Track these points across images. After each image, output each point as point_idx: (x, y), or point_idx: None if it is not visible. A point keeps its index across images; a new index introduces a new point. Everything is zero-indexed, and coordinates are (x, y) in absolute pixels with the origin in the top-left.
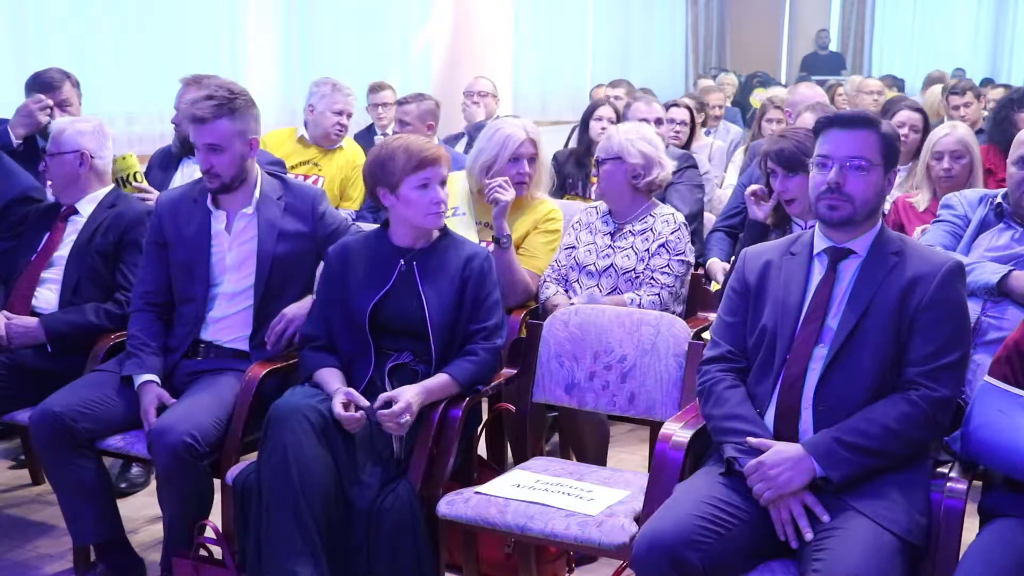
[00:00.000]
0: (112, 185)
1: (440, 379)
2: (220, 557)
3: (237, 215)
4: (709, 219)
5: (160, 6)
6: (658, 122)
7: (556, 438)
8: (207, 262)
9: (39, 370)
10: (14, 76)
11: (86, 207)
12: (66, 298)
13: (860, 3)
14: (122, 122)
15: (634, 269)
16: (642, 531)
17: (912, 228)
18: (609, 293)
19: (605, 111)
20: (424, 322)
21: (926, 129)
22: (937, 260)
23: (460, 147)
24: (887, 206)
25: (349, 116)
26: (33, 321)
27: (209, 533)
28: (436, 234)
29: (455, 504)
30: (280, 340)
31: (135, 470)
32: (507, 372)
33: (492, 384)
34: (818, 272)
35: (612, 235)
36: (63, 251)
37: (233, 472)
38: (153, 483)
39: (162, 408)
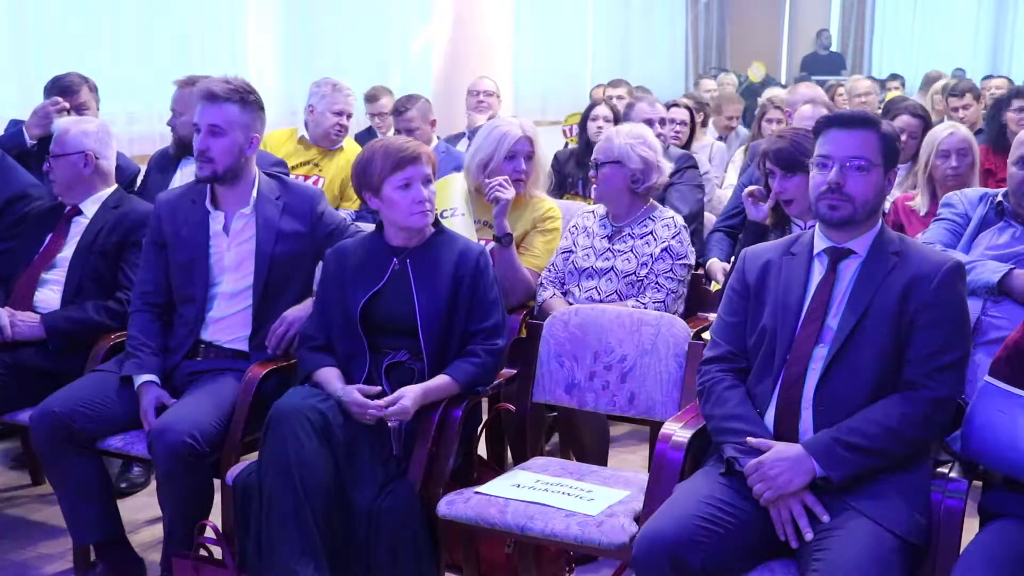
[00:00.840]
0: (116, 186)
1: (440, 380)
2: (220, 557)
3: (235, 215)
4: (709, 219)
5: (160, 6)
6: (661, 122)
7: (556, 438)
8: (206, 262)
9: (39, 370)
10: (14, 77)
11: (90, 208)
12: (68, 298)
13: (860, 3)
14: (122, 122)
15: (635, 272)
16: (642, 531)
17: (915, 232)
18: (609, 296)
19: (602, 111)
20: (415, 320)
21: (925, 135)
22: (937, 260)
23: (461, 146)
24: (887, 206)
25: (349, 116)
26: (35, 316)
27: (209, 533)
28: (430, 232)
29: (455, 504)
30: (281, 343)
31: (135, 470)
32: (507, 372)
33: (492, 384)
34: (818, 272)
35: (610, 238)
36: (66, 252)
37: (233, 472)
38: (153, 483)
39: (162, 408)
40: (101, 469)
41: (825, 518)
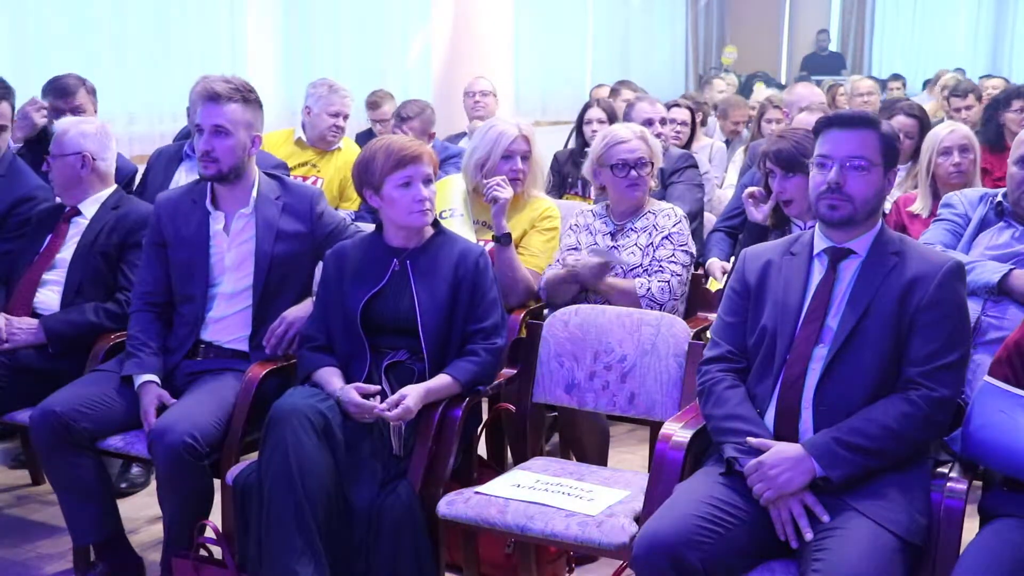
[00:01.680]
0: (115, 186)
1: (440, 379)
2: (220, 557)
3: (235, 215)
4: (709, 219)
5: (160, 6)
6: (661, 122)
7: (556, 438)
8: (206, 262)
9: (39, 370)
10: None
11: (89, 208)
12: (68, 299)
13: (860, 3)
14: (122, 122)
15: (640, 264)
16: (642, 531)
17: (917, 234)
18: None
19: (595, 112)
20: (415, 320)
21: (922, 135)
22: (937, 260)
23: (463, 145)
24: (887, 206)
25: (345, 118)
26: (33, 321)
27: (209, 533)
28: (430, 232)
29: (455, 504)
30: (280, 343)
31: (135, 470)
32: (507, 372)
33: (492, 384)
34: (818, 272)
35: (613, 235)
36: (66, 252)
37: (233, 472)
38: (153, 483)
39: (162, 408)
40: (101, 469)
41: (825, 518)
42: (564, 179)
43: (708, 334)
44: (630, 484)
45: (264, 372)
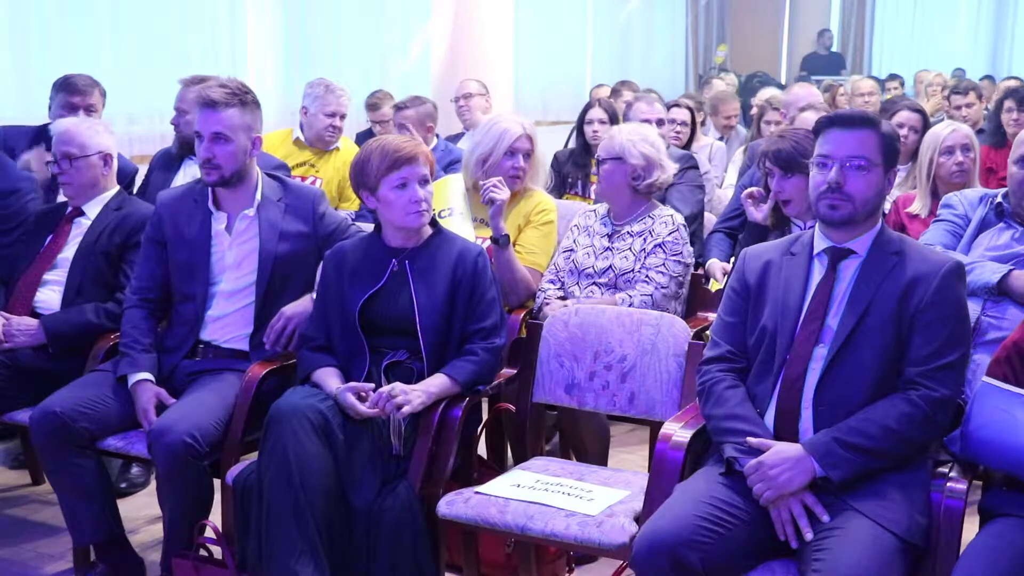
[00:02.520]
0: (118, 187)
1: (439, 380)
2: (220, 557)
3: (238, 216)
4: (709, 219)
5: (160, 6)
6: (659, 123)
7: (556, 438)
8: (207, 262)
9: (39, 370)
10: (14, 77)
11: (92, 209)
12: (69, 299)
13: (860, 3)
14: (122, 122)
15: (631, 269)
16: (642, 531)
17: (916, 234)
18: (608, 291)
19: (595, 113)
20: (414, 320)
21: (925, 130)
22: (937, 260)
23: (463, 144)
24: (887, 206)
25: (342, 117)
26: (33, 321)
27: (209, 533)
28: (428, 232)
29: (455, 504)
30: (279, 339)
31: (135, 470)
32: (507, 372)
33: (492, 384)
34: (818, 272)
35: (610, 236)
36: (67, 252)
37: (233, 472)
38: (153, 483)
39: (162, 407)
40: (101, 469)
41: (825, 518)
42: (564, 179)
43: (708, 334)
44: (630, 484)
45: (264, 372)
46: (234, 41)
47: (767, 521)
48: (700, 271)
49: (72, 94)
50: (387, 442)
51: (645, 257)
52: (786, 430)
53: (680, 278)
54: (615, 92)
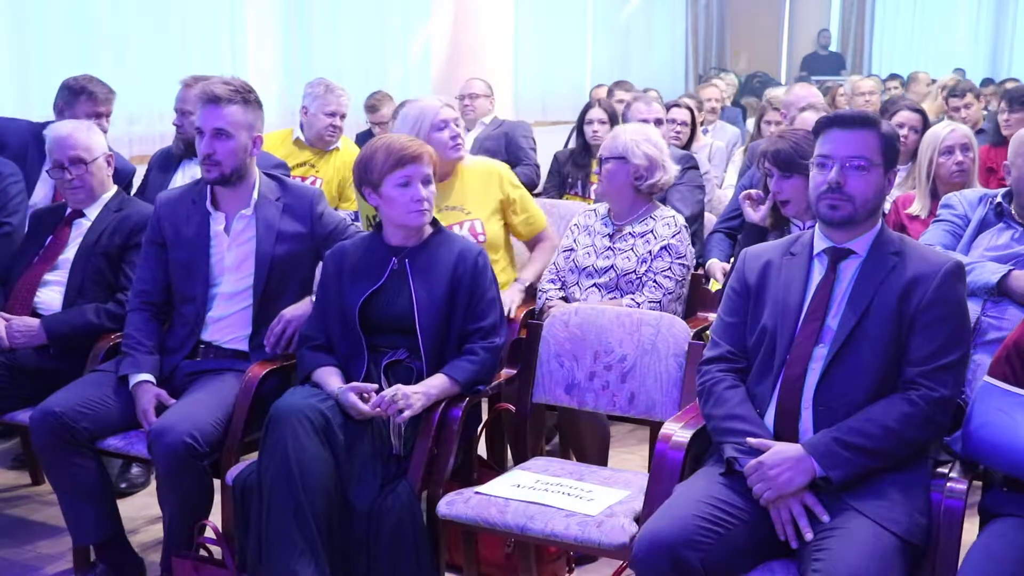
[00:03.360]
0: (116, 188)
1: (439, 380)
2: (220, 557)
3: (236, 216)
4: (709, 219)
5: (160, 6)
6: (657, 123)
7: (556, 438)
8: (206, 262)
9: (39, 370)
10: (14, 77)
11: (92, 210)
12: (70, 299)
13: (860, 3)
14: (122, 122)
15: (634, 271)
16: (642, 531)
17: (916, 235)
18: (610, 293)
19: (596, 113)
20: (414, 319)
21: (925, 129)
22: (937, 260)
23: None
24: (887, 206)
25: (342, 117)
26: (34, 322)
27: (209, 533)
28: (429, 231)
29: (455, 504)
30: (279, 341)
31: (135, 470)
32: (507, 372)
33: (492, 384)
34: (818, 272)
35: (611, 236)
36: (68, 253)
37: (233, 472)
38: (153, 483)
39: (162, 408)
40: (101, 469)
41: (825, 518)
42: (564, 179)
43: (708, 334)
44: (630, 484)
45: (264, 372)
46: (234, 41)
47: (767, 521)
48: (700, 271)
49: (97, 103)
50: (387, 442)
51: (651, 260)
52: (786, 430)
53: (683, 280)
54: (609, 92)
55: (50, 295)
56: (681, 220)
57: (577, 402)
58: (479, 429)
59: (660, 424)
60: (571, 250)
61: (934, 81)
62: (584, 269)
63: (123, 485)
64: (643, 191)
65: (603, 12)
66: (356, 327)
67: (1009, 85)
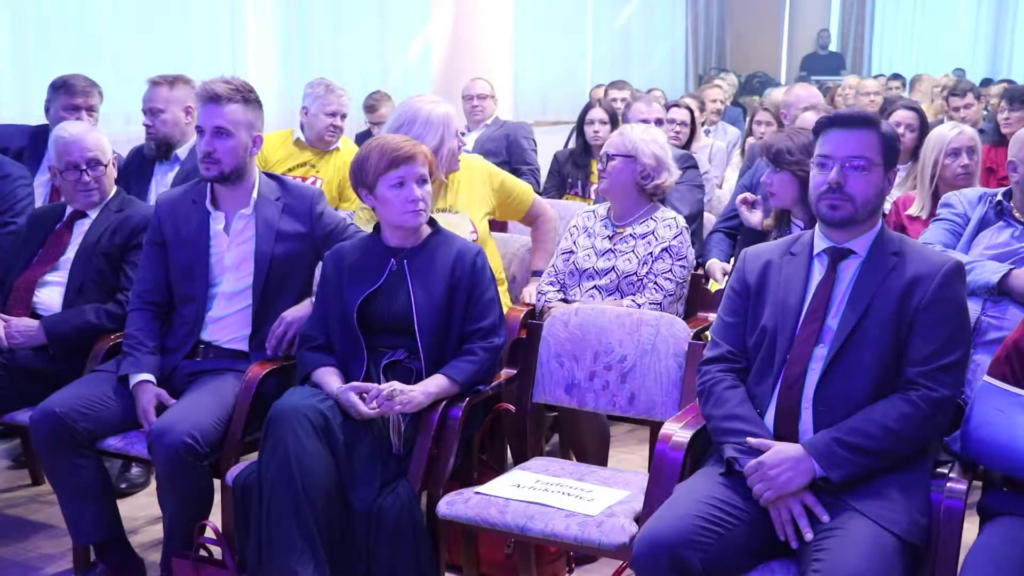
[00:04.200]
0: (116, 188)
1: (438, 380)
2: (220, 557)
3: (235, 216)
4: (709, 219)
5: (160, 6)
6: (658, 122)
7: (556, 438)
8: (206, 262)
9: (39, 371)
10: (14, 76)
11: (93, 210)
12: (71, 300)
13: (860, 3)
14: (120, 122)
15: (635, 272)
16: (642, 531)
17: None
18: (610, 295)
19: (597, 113)
20: (412, 320)
21: (922, 128)
22: (937, 260)
23: (468, 143)
24: (887, 206)
25: (343, 117)
26: (34, 323)
27: (209, 533)
28: (427, 232)
29: (455, 504)
30: (281, 344)
31: (135, 470)
32: (507, 372)
33: (492, 384)
34: (818, 272)
35: (612, 238)
36: (69, 253)
37: (233, 472)
38: (153, 483)
39: (162, 408)
40: (101, 469)
41: (825, 518)
42: (564, 179)
43: (708, 334)
44: (630, 484)
45: (264, 372)
46: (234, 41)
47: (767, 521)
48: (700, 271)
49: (73, 95)
50: (387, 442)
51: (652, 262)
52: (786, 430)
53: (684, 281)
54: (605, 93)
55: (50, 295)
56: (682, 221)
57: (577, 402)
58: (479, 429)
59: (660, 424)
60: (571, 252)
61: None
62: (584, 271)
63: (123, 485)
64: (647, 191)
65: (603, 12)
66: (355, 328)
67: (1005, 86)
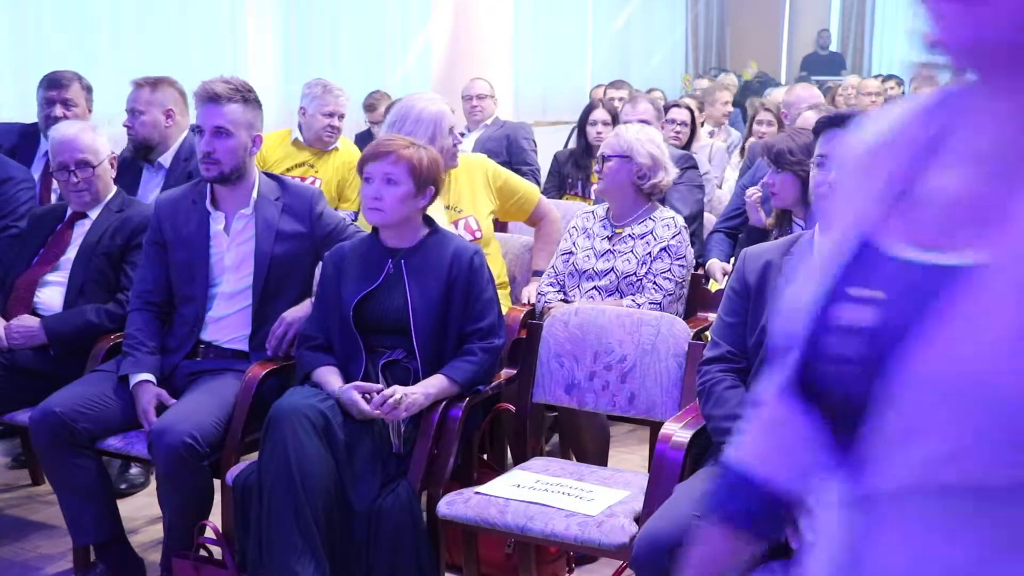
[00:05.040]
0: (116, 188)
1: (438, 380)
2: (220, 557)
3: (235, 216)
4: (709, 219)
5: (160, 6)
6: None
7: (556, 438)
8: (206, 262)
9: (39, 371)
10: (14, 76)
11: (94, 211)
12: (71, 300)
13: (860, 3)
14: (120, 122)
15: (635, 273)
16: (642, 531)
17: None
18: (610, 296)
19: (599, 114)
20: (408, 320)
21: None
22: None
23: (468, 143)
24: None
25: (341, 117)
26: (34, 323)
27: (209, 533)
28: (424, 232)
29: (455, 504)
30: (281, 344)
31: (135, 470)
32: (507, 372)
33: (492, 384)
34: None
35: (611, 239)
36: (69, 253)
37: (233, 472)
38: (153, 483)
39: (162, 408)
40: (101, 469)
41: None
42: (564, 179)
43: (708, 334)
44: (630, 484)
45: (264, 372)
46: (234, 41)
47: None
48: (700, 271)
49: (49, 88)
50: (387, 442)
51: (651, 262)
52: None
53: (683, 281)
54: (603, 92)
55: (51, 295)
56: (681, 221)
57: (577, 402)
58: (479, 429)
59: (660, 424)
60: (570, 253)
61: None
62: (584, 272)
63: (123, 485)
64: (644, 191)
65: (603, 12)
66: (352, 328)
67: None
